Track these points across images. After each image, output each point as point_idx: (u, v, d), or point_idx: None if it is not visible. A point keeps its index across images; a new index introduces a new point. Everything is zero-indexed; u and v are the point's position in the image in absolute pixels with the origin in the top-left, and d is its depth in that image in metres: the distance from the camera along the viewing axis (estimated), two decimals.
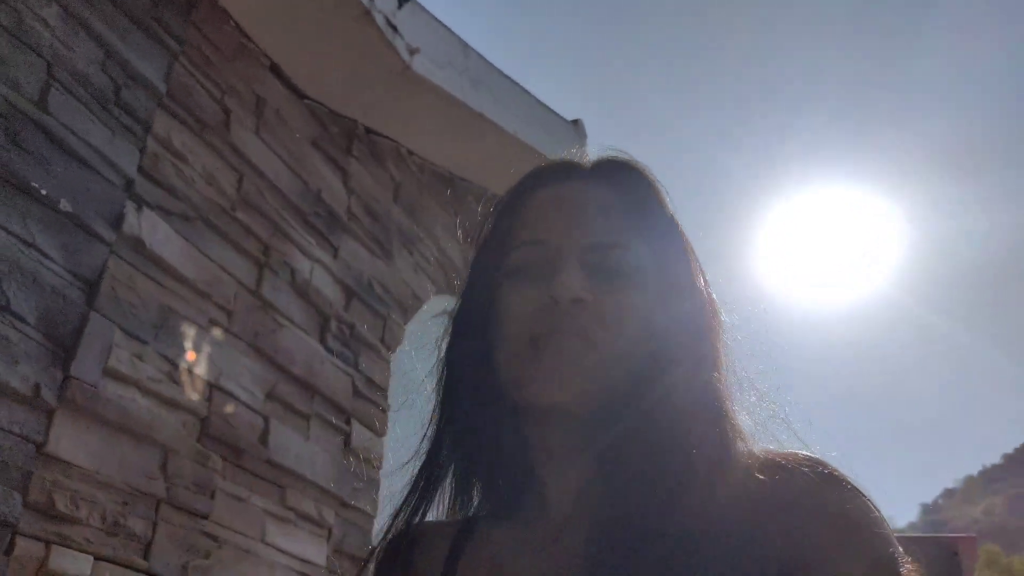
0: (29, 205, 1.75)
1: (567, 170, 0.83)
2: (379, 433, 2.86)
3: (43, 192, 1.78)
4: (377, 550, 0.83)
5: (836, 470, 0.65)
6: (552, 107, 3.79)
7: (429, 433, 0.81)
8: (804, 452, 0.68)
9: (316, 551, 2.47)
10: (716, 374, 0.73)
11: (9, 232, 1.69)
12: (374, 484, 2.78)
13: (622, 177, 0.81)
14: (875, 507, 0.64)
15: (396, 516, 0.81)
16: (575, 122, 4.17)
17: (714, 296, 0.79)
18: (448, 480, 0.80)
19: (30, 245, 1.73)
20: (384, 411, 2.90)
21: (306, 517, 2.45)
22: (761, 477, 0.64)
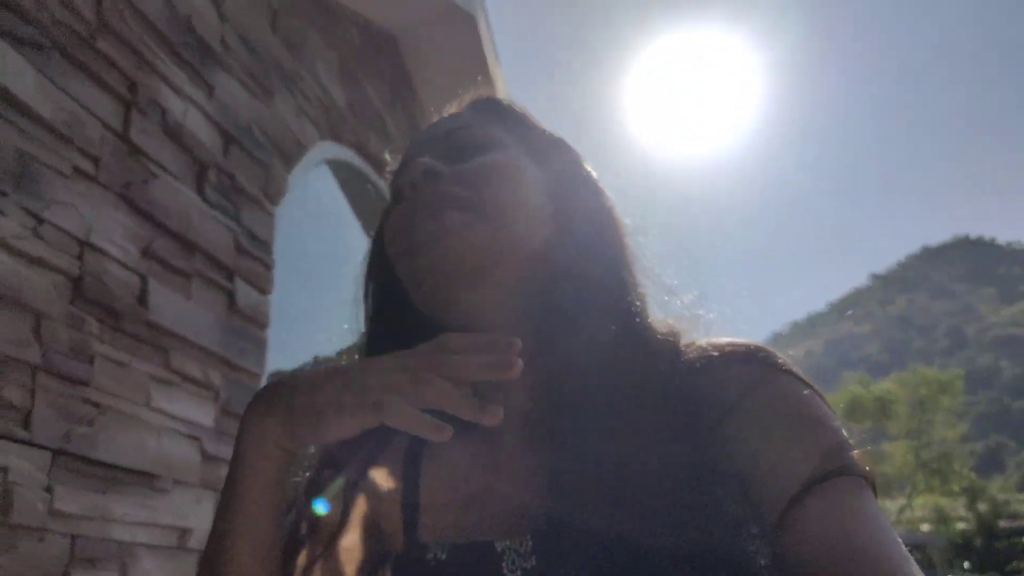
0: None
1: (437, 120, 0.82)
2: (265, 291, 2.70)
3: None
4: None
5: (776, 357, 0.65)
6: None
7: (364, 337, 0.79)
8: (742, 341, 0.67)
9: (203, 413, 2.36)
10: (626, 253, 0.72)
11: None
12: (261, 344, 2.65)
13: (485, 105, 0.81)
14: (821, 395, 0.64)
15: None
16: None
17: (604, 187, 0.77)
18: None
19: None
20: (269, 268, 2.73)
21: (191, 379, 2.31)
22: (708, 366, 0.64)
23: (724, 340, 0.67)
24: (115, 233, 2.06)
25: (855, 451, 0.60)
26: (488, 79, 3.99)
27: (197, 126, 2.45)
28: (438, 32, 3.75)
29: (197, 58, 2.48)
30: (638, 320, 0.67)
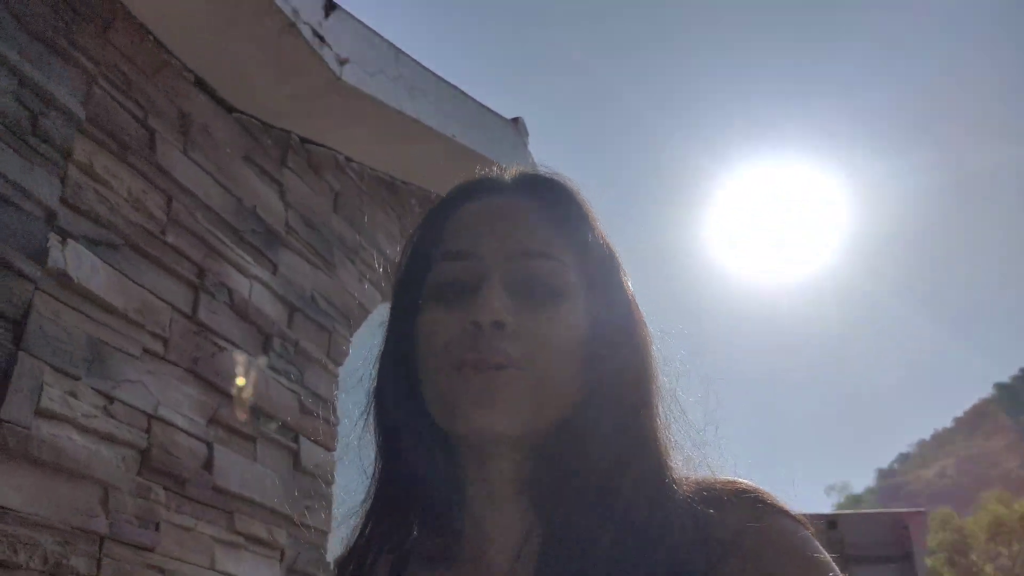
0: None
1: (491, 184, 0.81)
2: (328, 447, 2.83)
3: None
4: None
5: (773, 498, 0.66)
6: (492, 106, 3.78)
7: (375, 471, 0.80)
8: (741, 481, 0.68)
9: (269, 573, 2.45)
10: (647, 406, 0.73)
11: None
12: (326, 500, 2.76)
13: (547, 191, 0.79)
14: (813, 539, 0.65)
15: (342, 561, 0.80)
16: (515, 120, 4.16)
17: (642, 317, 0.78)
18: (390, 519, 0.78)
19: None
20: (333, 425, 2.88)
21: (257, 540, 2.42)
22: (704, 508, 0.64)
23: (720, 479, 0.69)
24: (182, 405, 2.26)
25: None
26: None
27: (262, 300, 2.68)
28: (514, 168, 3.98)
29: (262, 241, 2.75)
30: (657, 476, 0.68)
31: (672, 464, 0.70)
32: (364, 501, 0.80)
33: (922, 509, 6.29)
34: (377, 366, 0.80)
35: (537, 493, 0.70)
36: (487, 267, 0.71)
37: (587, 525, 0.64)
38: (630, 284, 0.79)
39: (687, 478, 0.69)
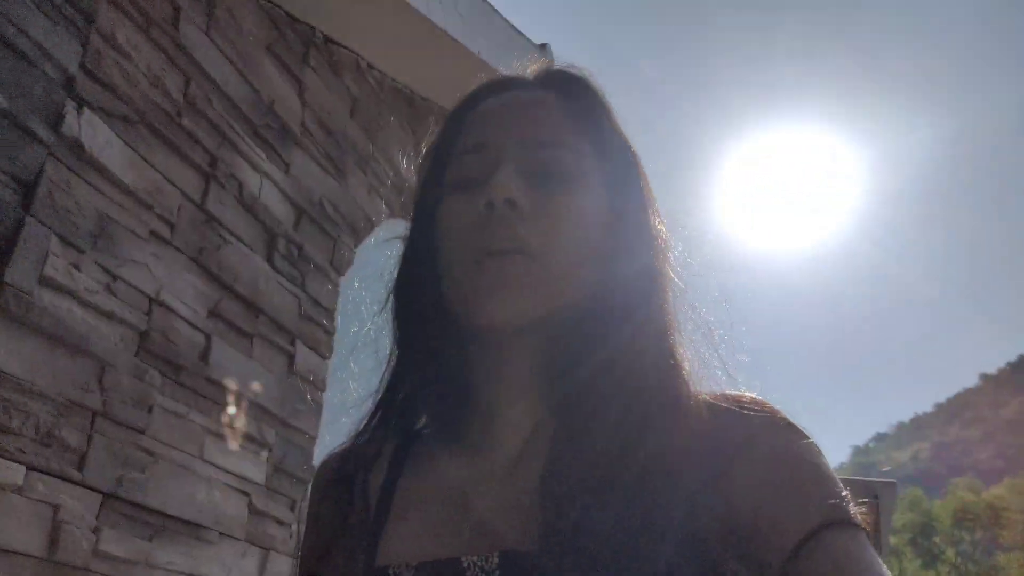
0: None
1: (512, 81, 0.80)
2: (324, 356, 2.82)
3: None
4: (318, 468, 0.81)
5: (782, 412, 0.66)
6: (521, 30, 3.68)
7: (389, 360, 0.79)
8: (750, 394, 0.68)
9: (255, 469, 2.45)
10: (661, 299, 0.72)
11: None
12: (317, 406, 2.75)
13: (567, 85, 0.79)
14: (819, 449, 0.64)
15: (343, 453, 0.79)
16: (543, 46, 4.06)
17: (664, 227, 0.77)
18: (401, 401, 0.78)
19: None
20: (330, 334, 2.86)
21: (246, 435, 2.41)
22: (711, 419, 0.65)
23: (728, 392, 0.69)
24: (184, 293, 2.22)
25: (851, 501, 0.61)
26: None
27: (271, 198, 2.63)
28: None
29: (276, 138, 2.68)
30: (668, 376, 0.68)
31: (684, 361, 0.70)
32: (374, 394, 0.79)
33: (893, 480, 6.41)
34: (398, 261, 0.80)
35: (548, 384, 0.69)
36: (502, 154, 0.71)
37: (598, 423, 0.64)
38: (647, 179, 0.79)
39: (698, 392, 0.69)
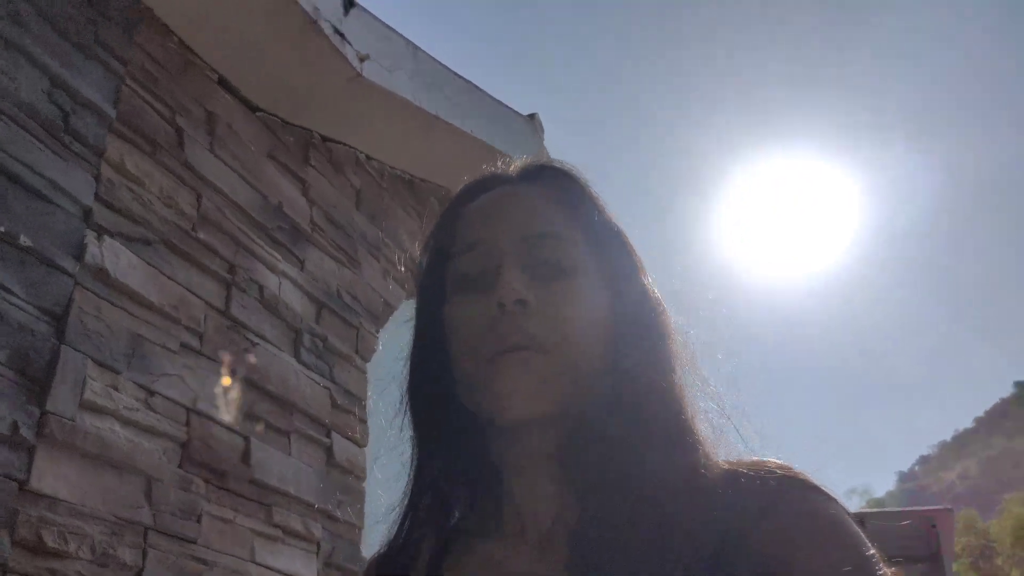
0: None
1: (498, 178, 0.85)
2: (360, 443, 2.84)
3: (1, 228, 1.74)
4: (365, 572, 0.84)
5: (806, 475, 0.66)
6: (508, 102, 3.80)
7: (413, 456, 0.82)
8: (772, 459, 0.69)
9: (306, 566, 2.46)
10: (672, 377, 0.74)
11: None
12: (359, 495, 2.77)
13: (552, 178, 0.83)
14: (847, 511, 0.65)
15: (381, 558, 0.82)
16: (531, 116, 4.18)
17: (657, 292, 0.80)
18: (430, 499, 0.80)
19: None
20: (363, 421, 2.89)
21: (294, 533, 2.43)
22: (736, 483, 0.65)
23: (751, 459, 0.69)
24: (219, 399, 2.27)
25: (879, 561, 0.61)
26: None
27: (291, 296, 2.70)
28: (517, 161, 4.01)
29: (288, 238, 2.77)
30: (686, 451, 0.69)
31: (700, 432, 0.71)
32: (402, 498, 0.82)
33: (949, 507, 6.22)
34: (408, 363, 0.83)
35: (567, 469, 0.71)
36: (502, 251, 0.74)
37: (620, 504, 0.65)
38: (642, 262, 0.81)
39: (719, 459, 0.70)
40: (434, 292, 0.79)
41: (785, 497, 0.64)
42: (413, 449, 0.82)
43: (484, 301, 0.72)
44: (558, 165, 0.85)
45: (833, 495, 0.65)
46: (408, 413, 0.82)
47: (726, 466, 0.68)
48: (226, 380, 2.30)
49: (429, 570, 0.77)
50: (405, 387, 0.83)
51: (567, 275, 0.73)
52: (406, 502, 0.81)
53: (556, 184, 0.82)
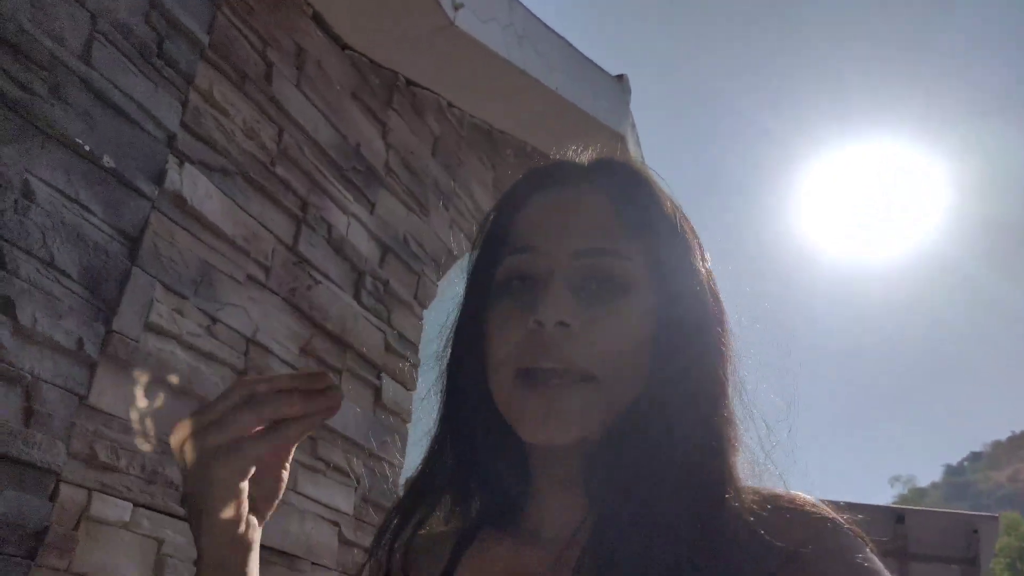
0: (72, 160, 1.77)
1: (563, 173, 0.80)
2: (409, 387, 2.90)
3: (86, 148, 1.79)
4: (368, 560, 0.82)
5: (836, 516, 0.65)
6: (598, 62, 3.72)
7: (435, 433, 0.81)
8: (804, 496, 0.67)
9: (345, 500, 2.54)
10: (713, 406, 0.71)
11: (53, 187, 1.71)
12: (403, 437, 2.83)
13: (620, 179, 0.78)
14: (877, 552, 0.64)
15: (392, 521, 0.81)
16: (619, 77, 4.09)
17: (719, 303, 0.77)
18: (447, 488, 0.80)
19: (73, 200, 1.75)
20: (415, 366, 2.94)
21: (336, 467, 2.51)
22: (767, 518, 0.64)
23: (781, 492, 0.68)
24: (278, 332, 2.33)
25: None
26: None
27: (358, 238, 2.73)
28: (589, 150, 3.96)
29: (363, 180, 2.79)
30: (712, 485, 0.67)
31: (735, 466, 0.69)
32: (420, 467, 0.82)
33: (995, 515, 6.06)
34: (450, 341, 0.81)
35: (596, 485, 0.70)
36: (551, 264, 0.71)
37: (635, 532, 0.64)
38: (707, 266, 0.78)
39: (753, 490, 0.68)
40: (481, 286, 0.77)
41: (816, 540, 0.62)
42: (442, 425, 0.81)
43: (523, 314, 0.70)
44: (627, 164, 0.81)
45: (864, 537, 0.64)
46: (443, 392, 0.81)
47: (753, 497, 0.67)
48: (286, 316, 2.36)
49: (447, 566, 0.77)
50: (444, 364, 0.81)
51: (617, 295, 0.71)
52: (418, 482, 0.81)
53: (624, 186, 0.77)
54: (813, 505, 0.66)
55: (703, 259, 0.78)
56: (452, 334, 0.82)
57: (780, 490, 0.68)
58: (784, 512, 0.64)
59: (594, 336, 0.69)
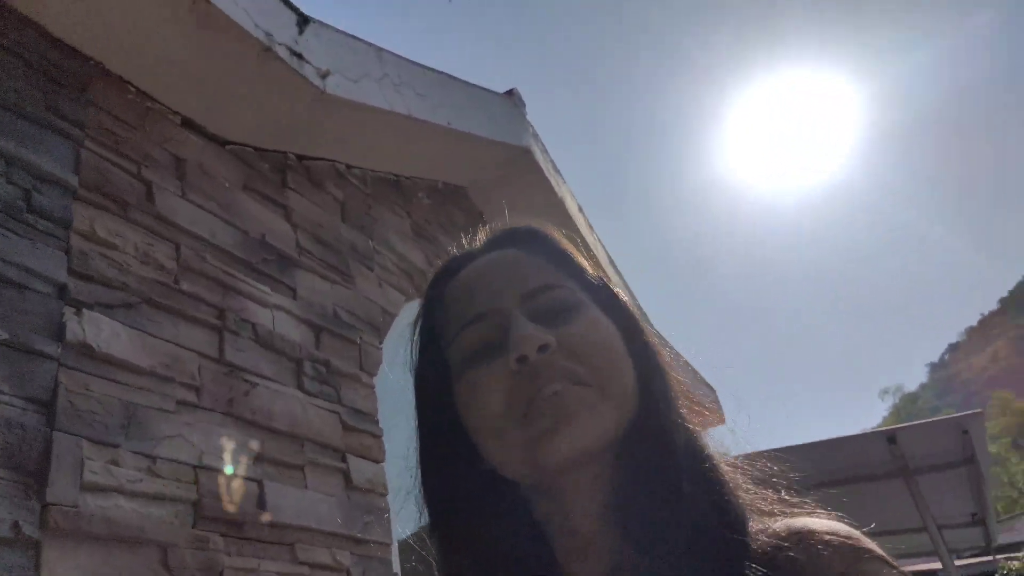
0: None
1: (469, 256, 0.82)
2: (378, 460, 2.85)
3: None
4: None
5: (873, 545, 0.64)
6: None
7: (438, 556, 0.77)
8: (841, 526, 0.66)
9: None
10: (696, 428, 0.73)
11: None
12: (383, 511, 2.78)
13: (526, 239, 0.81)
14: None
15: None
16: (510, 92, 4.10)
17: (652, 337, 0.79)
18: None
19: None
20: (377, 437, 2.89)
21: (321, 567, 2.45)
22: (800, 549, 0.63)
23: (804, 524, 0.67)
24: (225, 449, 2.27)
25: None
26: (556, 200, 4.14)
27: (286, 328, 2.68)
28: (499, 173, 3.95)
29: (276, 268, 2.74)
30: (724, 493, 0.67)
31: (740, 487, 0.70)
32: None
33: (979, 410, 6.18)
34: (419, 463, 0.79)
35: (620, 521, 0.68)
36: (505, 313, 0.72)
37: (672, 553, 0.63)
38: (636, 312, 0.80)
39: (785, 525, 0.67)
40: (435, 380, 0.76)
41: (854, 567, 0.61)
42: (442, 531, 0.77)
43: (501, 364, 0.69)
44: (527, 226, 0.83)
45: (897, 567, 0.63)
46: (429, 497, 0.78)
47: (791, 530, 0.66)
48: (229, 430, 2.30)
49: None
50: (420, 489, 0.79)
51: (578, 313, 0.72)
52: None
53: (532, 245, 0.80)
54: (849, 534, 0.65)
55: (626, 303, 0.80)
56: (418, 448, 0.79)
57: (803, 522, 0.67)
58: (821, 541, 0.63)
59: (575, 348, 0.69)
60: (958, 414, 5.93)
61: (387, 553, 2.73)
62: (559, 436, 0.65)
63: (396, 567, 2.76)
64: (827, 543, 0.63)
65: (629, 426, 0.69)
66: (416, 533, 0.84)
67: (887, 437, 5.85)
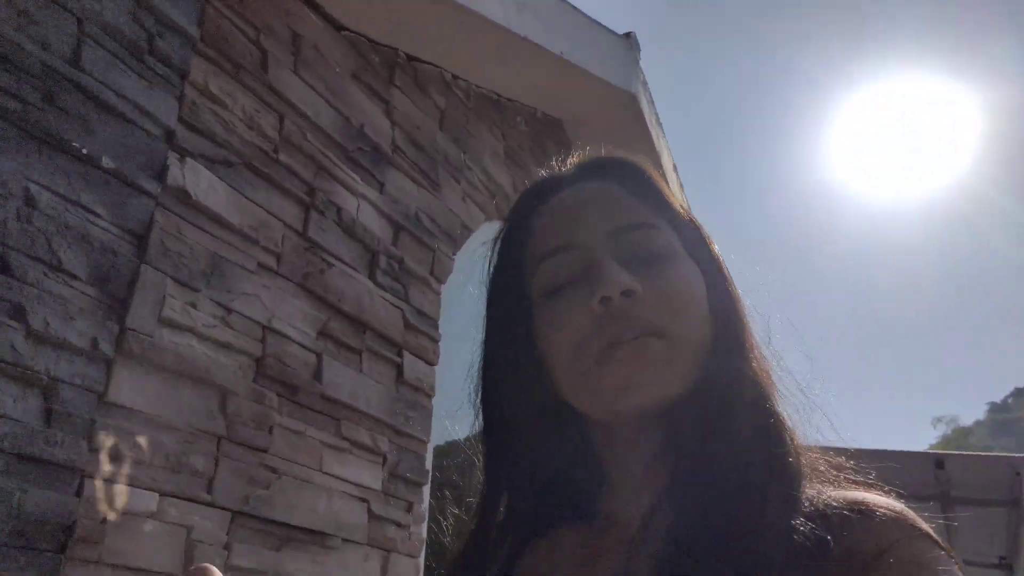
0: (71, 164, 1.80)
1: (559, 180, 0.81)
2: (430, 362, 2.93)
3: (84, 151, 1.82)
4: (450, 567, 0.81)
5: (917, 520, 0.63)
6: (605, 21, 3.66)
7: (486, 463, 0.79)
8: (891, 501, 0.65)
9: (372, 476, 2.59)
10: (769, 386, 0.71)
11: (54, 192, 1.75)
12: (427, 412, 2.87)
13: (620, 173, 0.79)
14: (957, 560, 0.62)
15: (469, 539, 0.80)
16: (627, 35, 4.03)
17: (735, 287, 0.77)
18: (509, 492, 0.78)
19: (76, 204, 1.79)
20: (435, 341, 2.96)
21: (361, 446, 2.55)
22: (842, 524, 0.62)
23: (861, 495, 0.66)
24: (294, 318, 2.37)
25: None
26: (655, 153, 4.09)
27: (369, 219, 2.75)
28: (601, 113, 3.92)
29: (369, 160, 2.80)
30: (783, 448, 0.67)
31: (786, 421, 0.69)
32: (481, 496, 0.79)
33: None
34: (480, 382, 0.80)
35: (669, 467, 0.68)
36: (593, 249, 0.71)
37: (719, 511, 0.62)
38: (720, 255, 0.78)
39: (837, 493, 0.66)
40: (515, 305, 0.75)
41: (898, 545, 0.61)
42: (497, 447, 0.79)
43: (584, 301, 0.68)
44: (625, 158, 0.81)
45: (943, 544, 0.62)
46: (489, 419, 0.79)
47: (844, 501, 0.65)
48: (300, 301, 2.39)
49: (508, 556, 0.76)
50: (478, 399, 0.80)
51: (667, 261, 0.71)
52: (485, 502, 0.79)
53: (625, 177, 0.78)
54: (896, 511, 0.64)
55: (712, 244, 0.79)
56: (481, 368, 0.80)
57: (860, 494, 0.66)
58: (865, 517, 0.63)
59: (661, 297, 0.68)
60: (1015, 454, 5.72)
61: (422, 450, 2.82)
62: (633, 386, 0.66)
63: (428, 464, 2.85)
64: (882, 515, 0.63)
65: (700, 377, 0.68)
66: (452, 442, 0.85)
67: (935, 460, 5.69)
